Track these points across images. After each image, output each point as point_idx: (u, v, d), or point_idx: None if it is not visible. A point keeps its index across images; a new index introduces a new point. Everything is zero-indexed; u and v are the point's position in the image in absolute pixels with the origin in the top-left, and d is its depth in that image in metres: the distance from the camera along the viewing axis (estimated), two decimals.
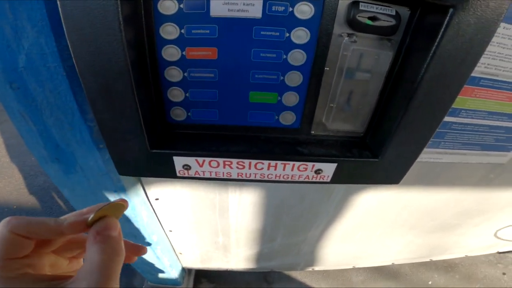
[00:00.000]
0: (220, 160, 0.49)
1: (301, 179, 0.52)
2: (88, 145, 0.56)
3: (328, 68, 0.45)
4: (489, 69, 0.57)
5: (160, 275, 1.13)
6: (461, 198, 0.89)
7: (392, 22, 0.40)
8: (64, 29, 0.37)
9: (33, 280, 0.22)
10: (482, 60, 0.55)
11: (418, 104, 0.43)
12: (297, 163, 0.49)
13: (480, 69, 0.57)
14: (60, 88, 0.48)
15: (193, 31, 0.42)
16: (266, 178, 0.52)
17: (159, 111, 0.49)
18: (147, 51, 0.43)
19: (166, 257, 1.04)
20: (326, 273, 1.43)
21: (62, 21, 0.36)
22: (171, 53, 0.44)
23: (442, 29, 0.36)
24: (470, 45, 0.38)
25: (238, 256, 1.11)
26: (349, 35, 0.42)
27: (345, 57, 0.43)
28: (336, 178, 0.52)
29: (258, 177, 0.52)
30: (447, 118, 0.66)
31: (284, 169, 0.50)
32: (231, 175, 0.52)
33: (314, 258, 1.16)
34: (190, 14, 0.41)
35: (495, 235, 1.14)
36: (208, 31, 0.42)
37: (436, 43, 0.37)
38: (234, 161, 0.49)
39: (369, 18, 0.40)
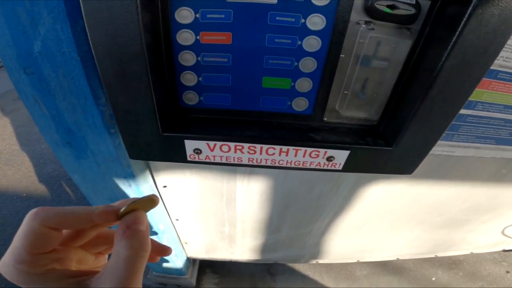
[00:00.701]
0: (232, 144, 0.49)
1: (312, 166, 0.52)
2: (100, 130, 0.56)
3: (343, 55, 0.44)
4: (508, 62, 0.56)
5: (165, 265, 1.14)
6: (471, 193, 0.88)
7: (412, 11, 0.39)
8: (83, 12, 0.37)
9: (60, 276, 0.21)
10: (501, 53, 0.54)
11: (436, 93, 0.42)
12: (309, 149, 0.49)
13: (498, 62, 0.56)
14: (73, 73, 0.48)
15: (208, 16, 0.42)
16: (277, 164, 0.52)
17: (172, 95, 0.49)
18: (162, 35, 0.43)
19: (172, 246, 1.05)
20: (330, 266, 1.44)
21: (81, 4, 0.36)
22: (185, 37, 0.44)
23: (465, 19, 0.35)
24: (492, 36, 0.37)
25: (243, 246, 1.12)
26: (366, 22, 0.41)
27: (362, 45, 0.43)
28: (348, 166, 0.51)
29: (269, 163, 0.51)
30: (462, 111, 0.65)
31: (296, 155, 0.50)
32: (242, 160, 0.52)
33: (319, 251, 1.17)
34: None
35: (503, 232, 1.12)
36: (223, 16, 0.42)
37: (458, 32, 0.36)
38: (246, 145, 0.49)
39: (388, 6, 0.39)
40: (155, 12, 0.41)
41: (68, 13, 0.41)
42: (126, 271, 0.20)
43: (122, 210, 0.23)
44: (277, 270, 1.41)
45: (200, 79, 0.48)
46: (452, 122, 0.67)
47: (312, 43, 0.44)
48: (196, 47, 0.45)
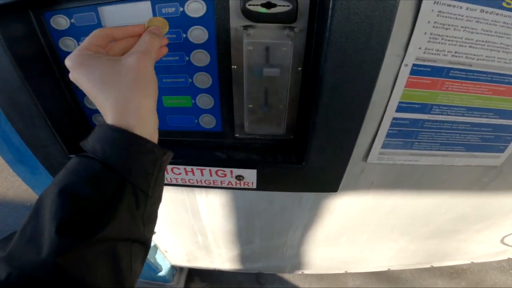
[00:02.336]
0: None
1: (224, 185, 0.49)
2: None
3: (235, 66, 0.42)
4: (459, 57, 0.48)
5: (149, 272, 1.17)
6: (453, 203, 0.78)
7: (289, 6, 0.35)
8: None
9: (106, 58, 0.31)
10: (446, 47, 0.47)
11: (328, 100, 0.37)
12: (213, 169, 0.47)
13: (447, 58, 0.48)
14: None
15: None
16: (188, 183, 0.50)
17: (81, 118, 0.50)
18: (53, 64, 0.44)
19: (152, 255, 1.07)
20: (321, 277, 1.37)
21: None
22: None
23: (331, 6, 0.31)
24: (369, 24, 0.32)
25: (221, 256, 1.11)
26: (246, 27, 0.38)
27: (248, 52, 0.39)
28: (262, 185, 0.48)
29: (180, 182, 0.50)
30: (416, 115, 0.58)
31: (202, 175, 0.48)
32: None
33: (300, 262, 1.12)
34: (83, 27, 0.41)
35: (502, 241, 0.99)
36: None
37: (328, 25, 0.32)
38: None
39: (263, 5, 0.36)
40: (36, 44, 0.42)
41: None
42: (146, 45, 0.32)
43: (146, 23, 0.35)
44: (266, 279, 1.37)
45: None
46: (407, 128, 0.61)
47: (200, 57, 0.42)
48: None
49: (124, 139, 0.28)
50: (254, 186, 0.49)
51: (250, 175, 0.47)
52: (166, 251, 1.14)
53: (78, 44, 0.42)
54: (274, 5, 0.35)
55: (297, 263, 1.13)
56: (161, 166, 0.32)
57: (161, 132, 0.49)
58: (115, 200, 0.26)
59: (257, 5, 0.36)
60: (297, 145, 0.48)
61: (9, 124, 0.56)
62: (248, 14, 0.36)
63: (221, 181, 0.49)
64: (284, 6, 0.35)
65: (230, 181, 0.49)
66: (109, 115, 0.29)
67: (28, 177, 0.71)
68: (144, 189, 0.29)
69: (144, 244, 0.31)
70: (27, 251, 0.23)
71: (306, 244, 1.01)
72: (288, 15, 0.36)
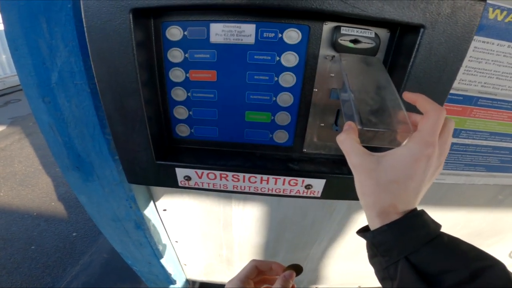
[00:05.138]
0: (217, 172, 0.53)
1: (292, 193, 0.55)
2: (105, 156, 0.62)
3: (316, 90, 0.49)
4: (487, 88, 0.57)
5: (164, 285, 1.15)
6: (470, 219, 0.86)
7: (372, 44, 0.44)
8: (89, 51, 0.43)
9: None
10: (478, 78, 0.56)
11: None
12: (287, 178, 0.52)
13: (477, 88, 0.57)
14: (84, 103, 0.54)
15: (195, 55, 0.48)
16: (259, 191, 0.55)
17: (166, 127, 0.55)
18: (157, 73, 0.50)
19: (171, 267, 1.07)
20: None
21: (88, 44, 0.43)
22: (177, 75, 0.50)
23: (416, 49, 0.39)
24: (444, 63, 0.40)
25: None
26: (333, 57, 0.46)
27: (331, 78, 0.47)
28: (326, 194, 0.54)
29: (252, 190, 0.55)
30: None
31: (275, 183, 0.54)
32: (227, 187, 0.56)
33: (317, 276, 1.14)
34: (193, 40, 0.47)
35: (510, 255, 1.07)
36: (208, 56, 0.48)
37: (411, 62, 0.40)
38: (230, 174, 0.53)
39: (351, 41, 0.44)
40: (150, 52, 0.47)
41: (81, 48, 0.47)
42: None
43: (286, 266, 0.42)
44: None
45: (190, 113, 0.54)
46: None
47: (287, 79, 0.49)
48: (186, 84, 0.51)
49: None
50: (319, 195, 0.55)
51: (318, 185, 0.53)
52: (185, 264, 1.14)
53: (185, 57, 0.48)
54: (360, 42, 0.44)
55: (314, 278, 1.16)
56: None
57: (237, 144, 0.55)
58: None
59: (346, 40, 0.44)
60: None
61: (77, 131, 0.60)
62: (337, 47, 0.45)
63: (290, 190, 0.54)
64: (369, 43, 0.44)
65: (298, 190, 0.54)
66: None
67: (78, 184, 0.73)
68: None
69: None
70: None
71: (326, 257, 1.04)
72: (371, 50, 0.45)
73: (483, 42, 0.51)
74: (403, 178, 0.29)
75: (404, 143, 0.32)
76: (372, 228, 0.31)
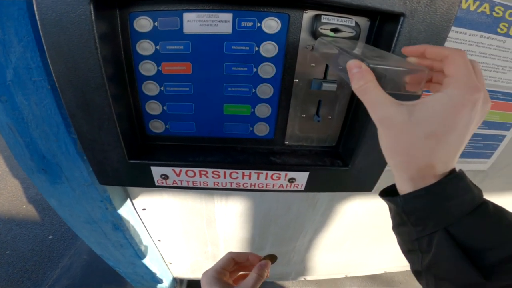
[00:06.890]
0: (196, 169, 0.51)
1: (275, 188, 0.53)
2: (73, 157, 0.58)
3: (297, 80, 0.47)
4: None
5: (150, 285, 1.12)
6: None
7: (353, 32, 0.43)
8: (44, 46, 0.39)
9: (226, 282, 0.40)
10: None
11: None
12: (270, 172, 0.51)
13: None
14: (45, 101, 0.50)
15: (167, 47, 0.45)
16: (241, 187, 0.53)
17: (138, 124, 0.51)
18: (125, 67, 0.46)
19: (156, 267, 1.04)
20: (319, 283, 1.42)
21: (42, 37, 0.38)
22: (147, 68, 0.47)
23: (396, 37, 0.38)
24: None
25: None
26: (313, 47, 0.44)
27: (312, 68, 0.46)
28: (310, 187, 0.53)
29: (234, 186, 0.53)
30: None
31: (258, 178, 0.52)
32: (207, 184, 0.53)
33: (304, 267, 1.16)
34: (165, 31, 0.44)
35: None
36: (182, 47, 0.45)
37: (391, 51, 0.39)
38: (210, 170, 0.51)
39: (332, 30, 0.42)
40: (116, 45, 0.43)
41: (38, 42, 0.43)
42: (252, 281, 0.39)
43: (262, 257, 0.44)
44: None
45: (164, 108, 0.50)
46: None
47: (267, 70, 0.47)
48: (158, 77, 0.47)
49: None
50: (303, 188, 0.54)
51: (302, 178, 0.52)
52: (171, 263, 1.11)
53: (156, 49, 0.45)
54: (340, 30, 0.42)
55: (301, 269, 1.17)
56: None
57: (216, 139, 0.53)
58: None
59: (327, 29, 0.42)
60: (338, 151, 0.55)
61: (39, 131, 0.55)
62: (317, 36, 0.43)
63: (273, 184, 0.53)
64: (349, 32, 0.42)
65: (282, 184, 0.53)
66: None
67: (46, 187, 0.68)
68: None
69: None
70: None
71: (312, 249, 1.06)
72: (352, 39, 0.43)
73: (456, 32, 0.51)
74: (442, 131, 0.24)
75: (431, 92, 0.27)
76: (402, 192, 0.26)
